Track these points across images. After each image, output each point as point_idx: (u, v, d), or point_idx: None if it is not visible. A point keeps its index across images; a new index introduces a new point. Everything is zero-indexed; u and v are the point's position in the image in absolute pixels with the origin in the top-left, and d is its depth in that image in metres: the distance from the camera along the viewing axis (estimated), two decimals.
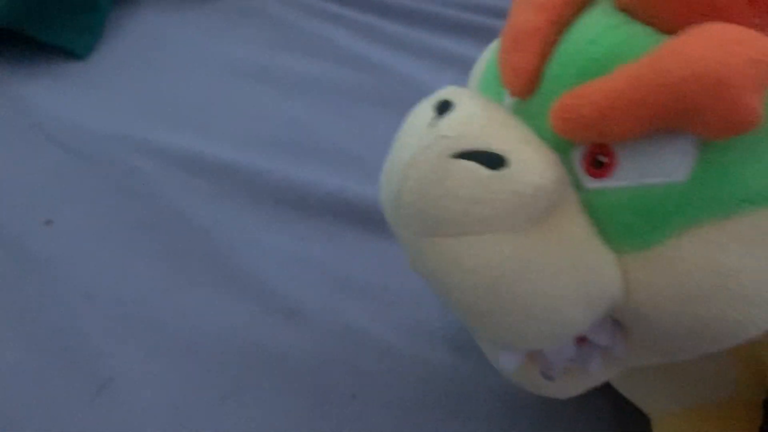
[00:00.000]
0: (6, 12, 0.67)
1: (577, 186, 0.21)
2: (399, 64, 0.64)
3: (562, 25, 0.22)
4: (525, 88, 0.22)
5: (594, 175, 0.21)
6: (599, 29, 0.21)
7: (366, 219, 0.48)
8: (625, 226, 0.20)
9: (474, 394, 0.38)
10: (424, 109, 0.22)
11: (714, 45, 0.18)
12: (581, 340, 0.24)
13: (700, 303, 0.20)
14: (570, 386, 0.26)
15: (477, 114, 0.21)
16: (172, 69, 0.68)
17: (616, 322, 0.23)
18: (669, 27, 0.20)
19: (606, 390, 0.33)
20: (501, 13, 0.57)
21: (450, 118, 0.21)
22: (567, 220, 0.20)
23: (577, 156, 0.21)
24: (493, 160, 0.20)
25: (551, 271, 0.20)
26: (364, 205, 0.48)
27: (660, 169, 0.20)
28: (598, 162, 0.21)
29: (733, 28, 0.18)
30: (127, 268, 0.47)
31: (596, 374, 0.25)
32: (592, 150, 0.20)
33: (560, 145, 0.21)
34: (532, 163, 0.20)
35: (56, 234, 0.50)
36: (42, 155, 0.58)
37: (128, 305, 0.44)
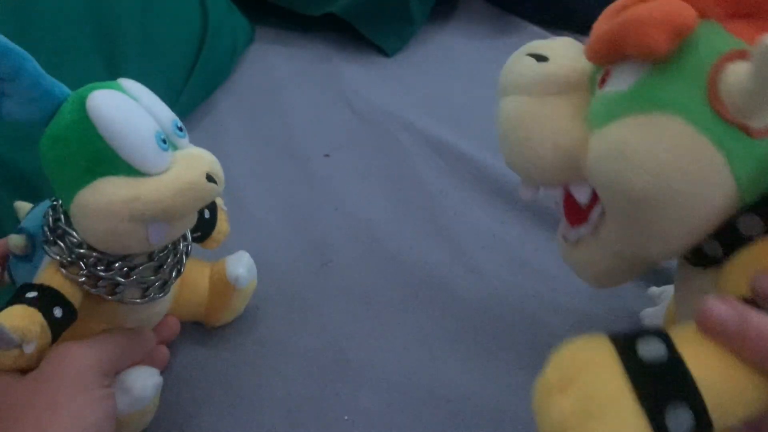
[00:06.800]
0: (347, 8, 0.87)
1: (594, 92, 0.32)
2: None
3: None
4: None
5: (600, 87, 0.31)
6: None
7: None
8: (595, 114, 0.31)
9: None
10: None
11: (647, 7, 0.27)
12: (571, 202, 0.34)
13: (611, 161, 0.28)
14: (585, 256, 0.34)
15: (557, 44, 0.34)
16: (456, 80, 0.82)
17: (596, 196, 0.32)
18: None
19: None
20: None
21: (540, 42, 0.35)
22: (565, 103, 0.32)
23: (599, 75, 0.32)
24: (542, 59, 0.33)
25: (538, 122, 0.32)
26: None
27: (618, 83, 0.30)
28: (603, 79, 0.31)
29: (668, 1, 0.27)
30: (365, 194, 0.62)
31: (605, 254, 0.33)
32: (604, 73, 0.31)
33: (598, 68, 0.32)
34: (557, 65, 0.33)
35: (330, 162, 0.67)
36: (336, 112, 0.76)
37: (360, 215, 0.59)
